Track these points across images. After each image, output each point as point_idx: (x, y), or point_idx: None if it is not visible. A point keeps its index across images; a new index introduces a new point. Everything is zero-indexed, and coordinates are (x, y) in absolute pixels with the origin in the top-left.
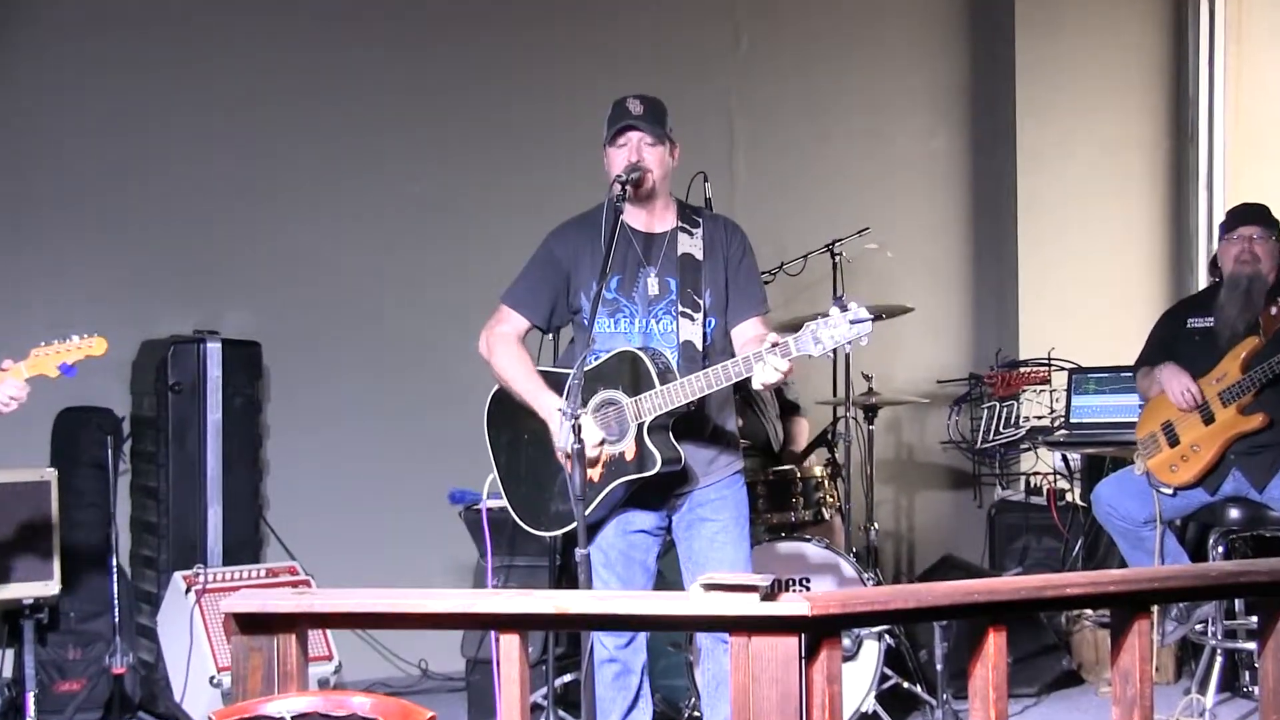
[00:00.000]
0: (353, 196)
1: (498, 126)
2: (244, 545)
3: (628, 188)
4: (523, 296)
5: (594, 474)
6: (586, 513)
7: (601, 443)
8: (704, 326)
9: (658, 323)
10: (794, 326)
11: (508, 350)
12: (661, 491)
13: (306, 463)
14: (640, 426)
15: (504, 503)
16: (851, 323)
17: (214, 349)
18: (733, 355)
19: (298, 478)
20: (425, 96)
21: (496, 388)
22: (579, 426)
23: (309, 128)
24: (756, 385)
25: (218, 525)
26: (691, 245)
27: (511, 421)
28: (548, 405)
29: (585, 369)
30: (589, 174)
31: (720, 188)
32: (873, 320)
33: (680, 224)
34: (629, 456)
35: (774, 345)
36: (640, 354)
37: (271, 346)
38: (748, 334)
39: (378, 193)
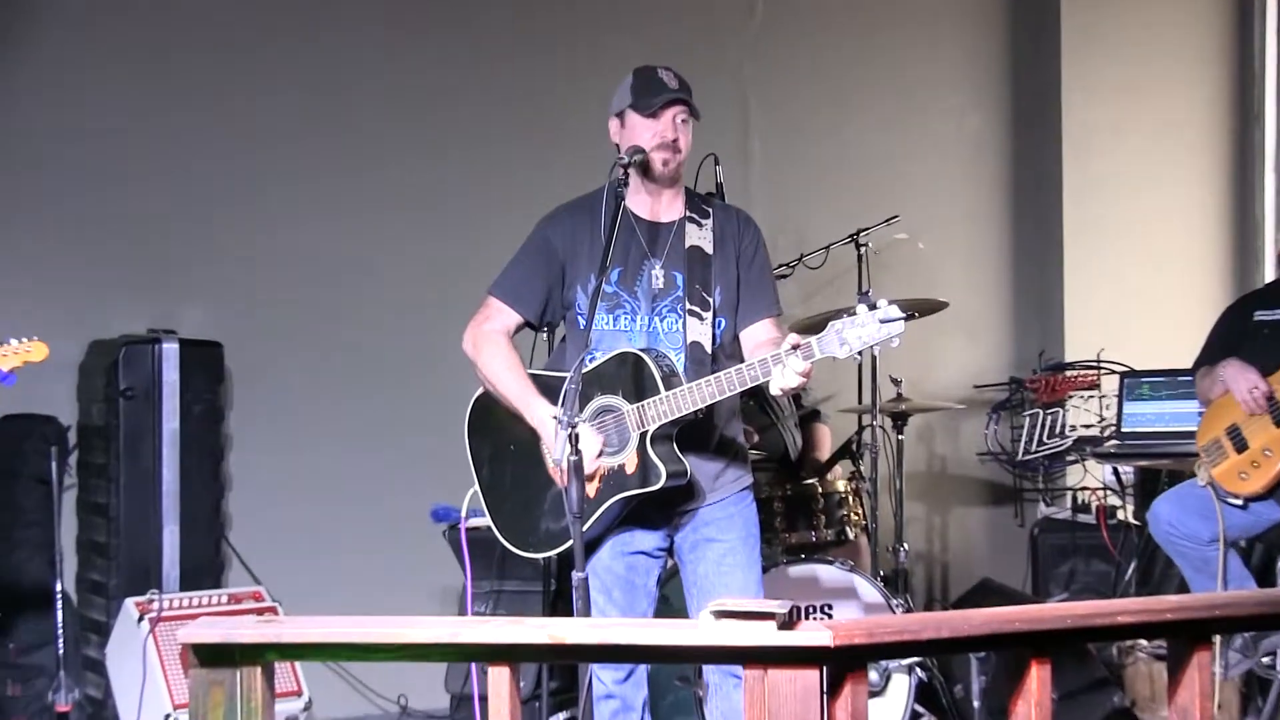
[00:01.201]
0: (327, 184)
1: (488, 105)
2: (203, 568)
3: (630, 171)
4: (513, 289)
5: (590, 489)
6: (585, 529)
7: (599, 454)
8: (713, 327)
9: (661, 321)
10: (815, 326)
11: (496, 349)
12: (664, 508)
13: (273, 476)
14: (643, 436)
15: (487, 521)
16: (881, 322)
17: (170, 350)
18: (741, 360)
19: (264, 493)
20: (407, 77)
21: (480, 391)
22: (576, 436)
23: (277, 112)
24: (774, 390)
25: (174, 546)
26: (700, 237)
27: (496, 430)
28: (540, 412)
29: (582, 371)
30: (594, 156)
31: (732, 172)
32: (905, 319)
33: (689, 213)
34: (630, 469)
35: (794, 347)
36: (643, 356)
37: (235, 347)
38: (759, 337)
39: (354, 180)
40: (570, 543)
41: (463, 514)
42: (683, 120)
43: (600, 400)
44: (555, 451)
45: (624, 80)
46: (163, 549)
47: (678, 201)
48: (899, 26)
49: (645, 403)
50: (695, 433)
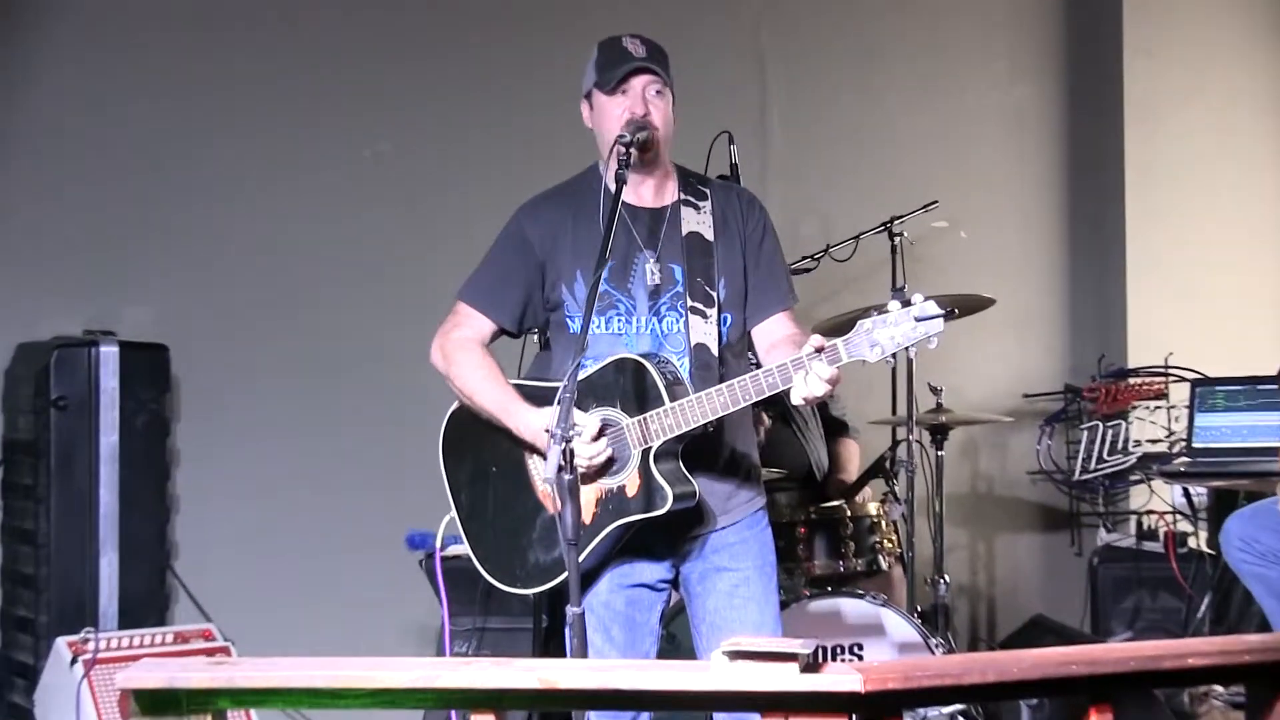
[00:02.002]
0: (285, 164)
1: (468, 77)
2: (146, 603)
3: (632, 151)
4: (486, 292)
5: (586, 514)
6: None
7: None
8: (719, 325)
9: (660, 321)
10: (843, 326)
11: (470, 358)
12: (668, 535)
13: (227, 498)
14: (645, 454)
15: (467, 552)
16: (917, 320)
17: (109, 353)
18: (753, 360)
19: (216, 517)
20: (376, 50)
21: (455, 407)
22: (571, 452)
23: (228, 99)
24: (796, 400)
25: (112, 577)
26: (699, 222)
27: (476, 449)
28: (530, 423)
29: (557, 383)
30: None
31: (749, 151)
32: (944, 317)
33: (683, 195)
34: (631, 491)
35: (819, 349)
36: (643, 362)
37: (182, 350)
38: (775, 334)
39: (317, 160)
40: (563, 575)
41: (437, 543)
42: (656, 91)
43: (597, 413)
44: (547, 470)
45: (590, 57)
46: (99, 581)
47: (669, 183)
48: None
49: (648, 415)
50: (702, 448)
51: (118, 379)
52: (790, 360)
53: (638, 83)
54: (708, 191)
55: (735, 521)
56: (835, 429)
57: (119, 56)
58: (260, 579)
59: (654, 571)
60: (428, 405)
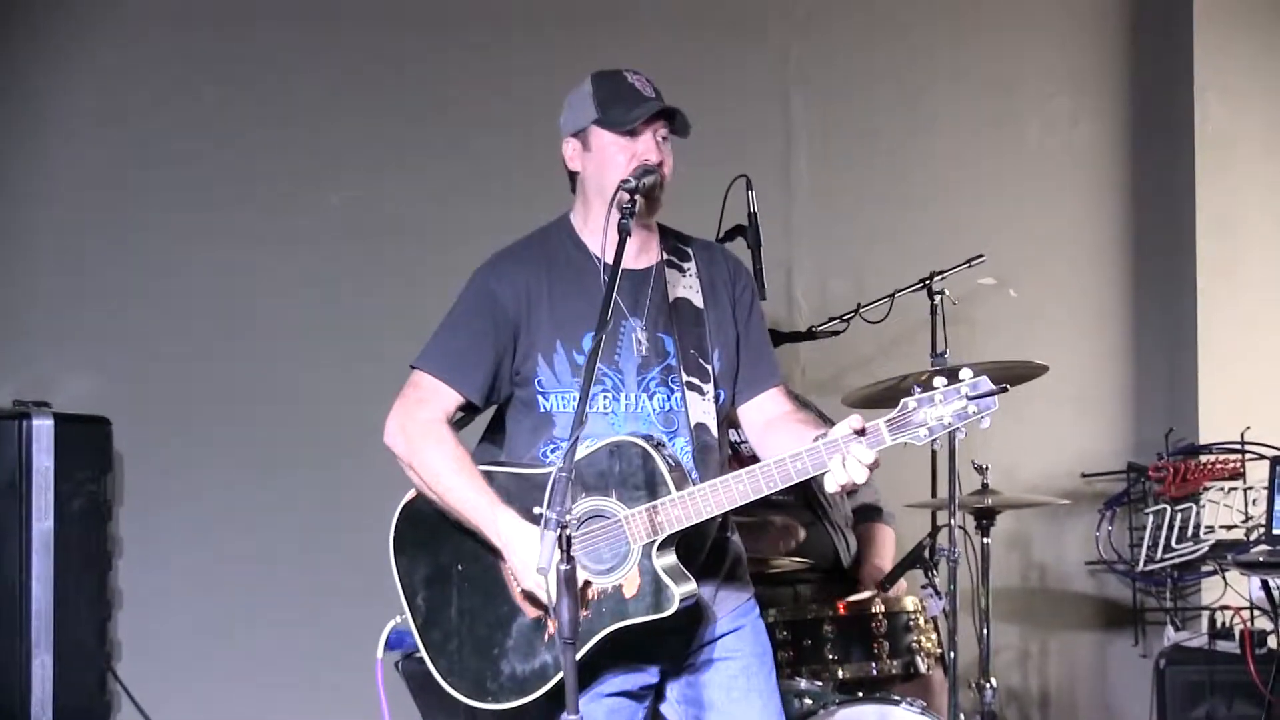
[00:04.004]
0: (242, 214)
1: (461, 108)
2: (85, 709)
3: (638, 199)
4: (452, 361)
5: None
6: (560, 675)
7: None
8: (715, 401)
9: (651, 398)
10: (875, 398)
11: (440, 448)
12: (653, 636)
13: (173, 591)
14: (647, 549)
15: (427, 665)
16: (969, 398)
17: (43, 427)
18: (739, 441)
19: (161, 613)
20: (352, 76)
21: (409, 497)
22: (569, 540)
23: (176, 137)
24: (831, 487)
25: (46, 681)
26: (686, 286)
27: (434, 546)
28: (507, 528)
29: (547, 468)
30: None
31: (770, 199)
32: (997, 394)
33: (666, 256)
34: (629, 591)
35: (859, 431)
36: (644, 445)
37: (125, 423)
38: (770, 412)
39: (278, 209)
40: (543, 688)
41: (380, 650)
42: (663, 138)
43: (585, 503)
44: (541, 559)
45: (577, 90)
46: (30, 685)
47: (653, 241)
48: (987, 12)
49: (655, 505)
50: (687, 538)
51: (52, 457)
52: (823, 442)
53: (650, 127)
54: (690, 251)
55: (729, 611)
56: (866, 514)
57: (56, 105)
58: (212, 683)
59: (636, 678)
60: (401, 483)
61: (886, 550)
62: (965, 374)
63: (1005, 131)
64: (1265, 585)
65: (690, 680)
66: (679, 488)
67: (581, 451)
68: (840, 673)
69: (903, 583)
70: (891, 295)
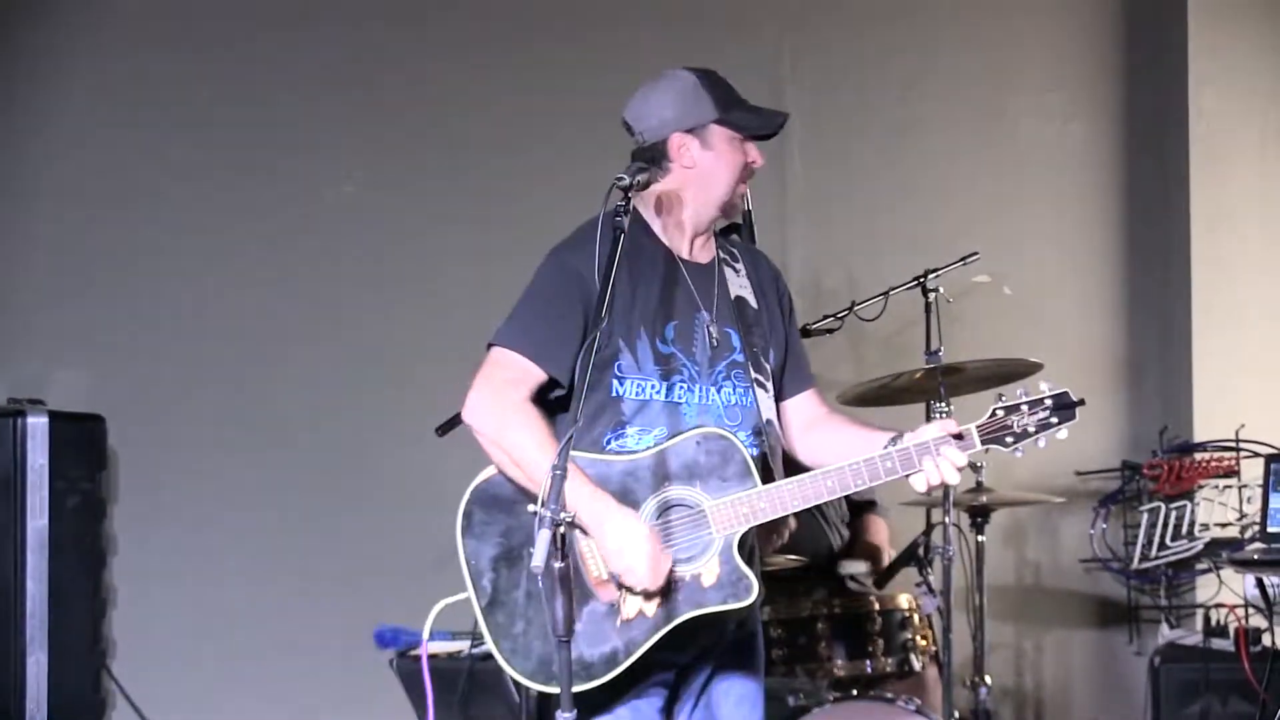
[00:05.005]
0: (237, 213)
1: (465, 104)
2: (79, 707)
3: (630, 195)
4: (540, 339)
5: (647, 607)
6: (633, 658)
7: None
8: (775, 399)
9: (719, 391)
10: (869, 395)
11: (530, 426)
12: (696, 627)
13: (168, 588)
14: (729, 539)
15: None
16: (1053, 409)
17: (38, 425)
18: (775, 439)
19: (155, 610)
20: (350, 75)
21: (485, 476)
22: (563, 538)
23: (171, 133)
24: (920, 488)
25: (41, 679)
26: (741, 286)
27: (507, 528)
28: (607, 511)
29: (630, 455)
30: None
31: (765, 194)
32: (1079, 406)
33: (721, 255)
34: (708, 580)
35: (957, 435)
36: (731, 438)
37: (120, 421)
38: (808, 412)
39: (272, 206)
40: (615, 672)
41: (425, 637)
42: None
43: (668, 492)
44: (537, 556)
45: (676, 83)
46: (25, 683)
47: (709, 240)
48: (983, 3)
49: (739, 498)
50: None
51: (47, 454)
52: (914, 444)
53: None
54: (737, 253)
55: (749, 616)
56: (861, 508)
57: (51, 104)
58: (206, 680)
59: (668, 671)
60: (397, 482)
61: (882, 536)
62: (1044, 387)
63: (999, 128)
64: (1260, 583)
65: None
66: (764, 481)
67: (661, 440)
68: (835, 671)
69: (898, 579)
70: (886, 293)
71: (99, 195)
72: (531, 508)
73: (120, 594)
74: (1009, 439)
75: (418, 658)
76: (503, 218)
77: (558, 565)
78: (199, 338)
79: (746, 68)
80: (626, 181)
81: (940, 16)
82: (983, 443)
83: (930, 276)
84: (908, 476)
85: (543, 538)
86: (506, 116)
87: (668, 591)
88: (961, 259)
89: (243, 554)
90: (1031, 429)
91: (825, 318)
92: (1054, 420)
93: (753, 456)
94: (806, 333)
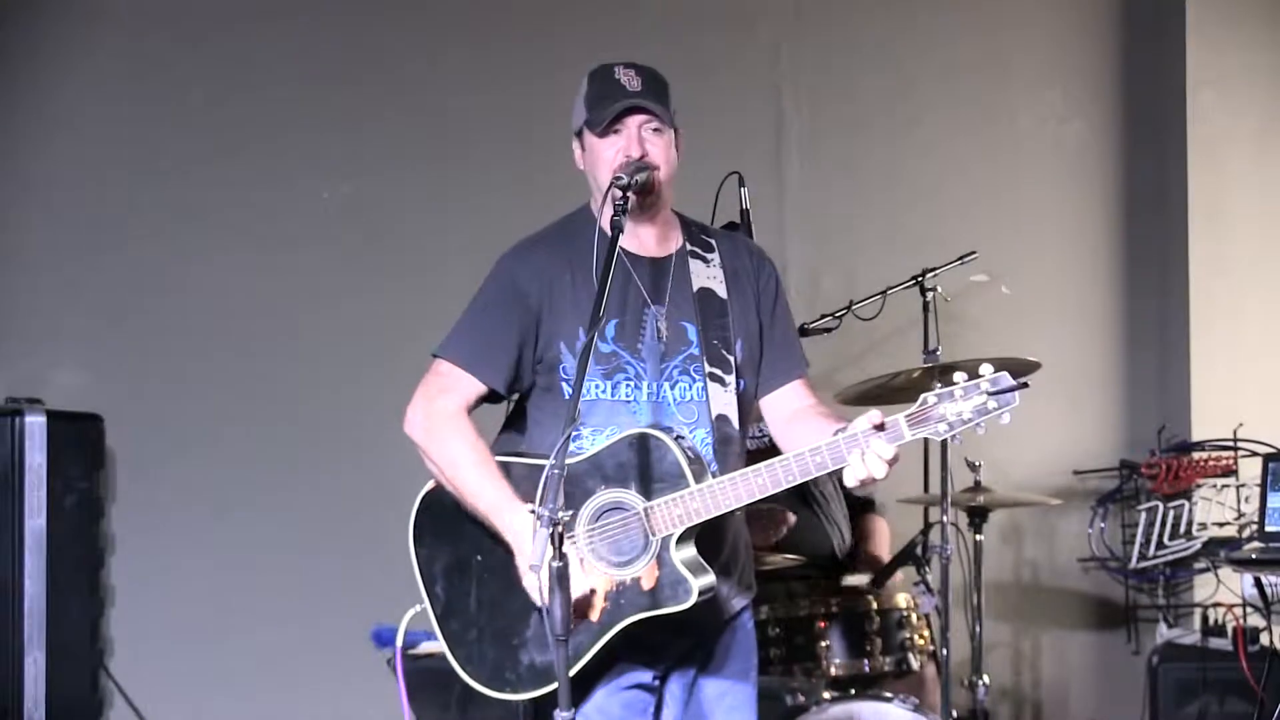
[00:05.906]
0: (237, 207)
1: (456, 106)
2: (77, 707)
3: (630, 195)
4: (475, 349)
5: (594, 611)
6: (580, 664)
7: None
8: (736, 392)
9: (673, 387)
10: (869, 394)
11: (459, 439)
12: (667, 631)
13: (166, 588)
14: (665, 541)
15: (444, 652)
16: (989, 394)
17: (36, 424)
18: (761, 435)
19: (154, 610)
20: (347, 75)
21: (429, 487)
22: (560, 536)
23: (171, 131)
24: (850, 482)
25: (39, 680)
26: (709, 276)
27: (455, 536)
28: (517, 522)
29: (569, 460)
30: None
31: (762, 194)
32: (1018, 389)
33: (689, 245)
34: (647, 584)
35: (878, 426)
36: (663, 438)
37: (118, 420)
38: (792, 404)
39: (274, 202)
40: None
41: (398, 639)
42: (654, 130)
43: (605, 495)
44: (533, 556)
45: (579, 90)
46: (24, 682)
47: (673, 230)
48: (981, 2)
49: (672, 499)
50: (706, 533)
51: (45, 454)
52: (843, 436)
53: (632, 121)
54: (713, 242)
55: (736, 614)
56: (859, 507)
57: (48, 104)
58: (205, 680)
59: (646, 674)
60: (396, 481)
61: (883, 541)
62: (986, 370)
63: (998, 127)
64: (1258, 582)
65: (685, 688)
66: (698, 480)
67: (601, 442)
68: (833, 669)
69: (896, 578)
70: (884, 292)
71: (98, 195)
72: (532, 507)
73: (118, 593)
74: (942, 426)
75: (417, 658)
76: (503, 214)
77: (555, 564)
78: (198, 338)
79: (745, 67)
80: (625, 181)
81: (938, 18)
82: (912, 431)
83: (928, 276)
84: (838, 470)
85: (539, 537)
86: (506, 113)
87: (609, 597)
88: (960, 258)
89: (241, 553)
90: (968, 415)
91: (823, 317)
92: (992, 406)
93: (704, 454)
94: (804, 332)
